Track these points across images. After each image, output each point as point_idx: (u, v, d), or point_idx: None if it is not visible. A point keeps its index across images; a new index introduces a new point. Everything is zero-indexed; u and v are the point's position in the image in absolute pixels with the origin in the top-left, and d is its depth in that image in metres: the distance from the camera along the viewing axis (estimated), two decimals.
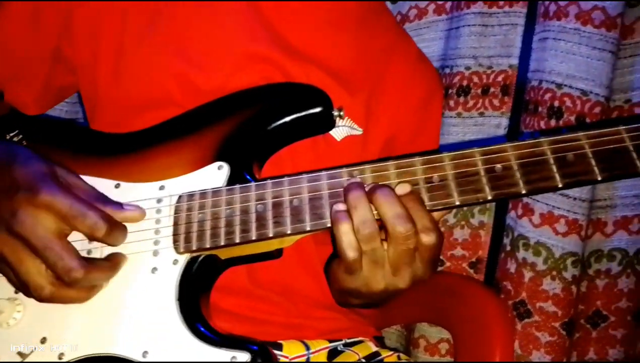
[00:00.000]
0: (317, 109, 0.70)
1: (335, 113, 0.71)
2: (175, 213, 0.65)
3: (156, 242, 0.64)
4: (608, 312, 1.08)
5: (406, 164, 0.61)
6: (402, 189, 0.59)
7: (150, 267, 0.63)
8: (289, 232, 0.61)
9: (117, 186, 0.69)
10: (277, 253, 0.65)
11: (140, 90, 0.77)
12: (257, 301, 0.78)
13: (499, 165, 0.59)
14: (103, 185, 0.69)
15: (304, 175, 0.63)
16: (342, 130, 0.80)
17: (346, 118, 0.79)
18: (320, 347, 0.80)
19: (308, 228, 0.61)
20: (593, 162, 0.58)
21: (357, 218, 0.58)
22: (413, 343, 1.22)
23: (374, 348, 0.83)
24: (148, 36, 0.77)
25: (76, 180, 0.64)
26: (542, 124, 1.10)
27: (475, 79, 1.22)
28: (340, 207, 0.59)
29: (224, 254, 0.64)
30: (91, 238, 0.60)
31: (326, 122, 0.71)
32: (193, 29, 0.78)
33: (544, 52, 1.11)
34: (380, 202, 0.58)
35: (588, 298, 1.08)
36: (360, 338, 0.85)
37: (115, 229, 0.61)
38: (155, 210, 0.66)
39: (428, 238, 0.57)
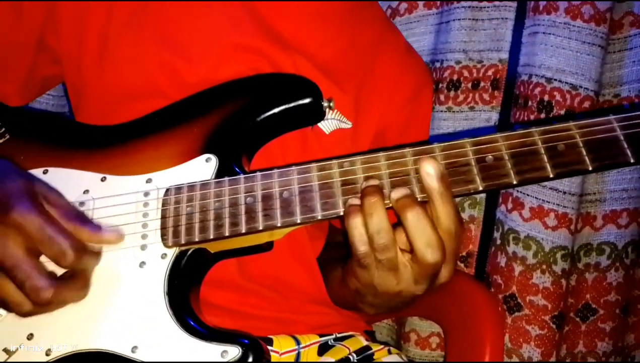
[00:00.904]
0: (307, 100, 0.69)
1: (325, 104, 0.70)
2: (162, 207, 0.64)
3: (144, 236, 0.63)
4: (597, 306, 1.08)
5: (397, 155, 0.61)
6: (431, 169, 0.57)
7: (139, 262, 0.62)
8: (279, 224, 0.60)
9: (103, 179, 0.67)
10: (267, 246, 0.65)
11: (126, 81, 0.76)
12: (247, 295, 0.77)
13: (490, 156, 0.59)
14: (89, 178, 0.67)
15: (294, 167, 0.63)
16: (331, 123, 0.79)
17: (335, 111, 0.78)
18: (311, 342, 0.79)
19: (298, 221, 0.60)
20: (584, 152, 0.57)
21: (372, 226, 0.56)
22: (404, 337, 1.21)
23: (365, 343, 0.83)
24: (134, 25, 0.76)
25: (56, 197, 0.62)
26: (532, 118, 1.10)
27: (466, 73, 1.21)
28: (355, 201, 0.58)
29: (213, 248, 0.63)
30: (57, 264, 0.58)
31: (316, 113, 0.70)
32: (180, 18, 0.77)
33: (534, 47, 1.11)
34: (411, 224, 0.55)
35: (578, 292, 1.09)
36: (350, 333, 0.85)
37: (84, 257, 0.59)
38: (142, 203, 0.65)
39: (455, 242, 0.57)
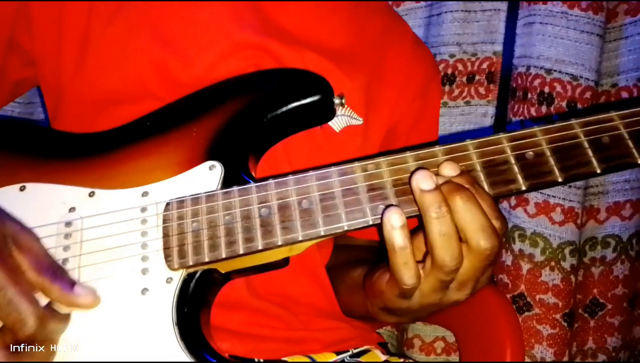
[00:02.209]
0: (317, 97, 0.62)
1: (337, 101, 0.64)
2: (164, 224, 0.56)
3: (144, 258, 0.55)
4: (605, 300, 1.06)
5: (426, 155, 0.55)
6: (450, 170, 0.51)
7: (140, 288, 0.54)
8: (300, 238, 0.54)
9: (91, 194, 0.59)
10: (283, 262, 0.58)
11: (111, 82, 0.68)
12: (256, 315, 0.70)
13: (530, 152, 0.54)
14: (74, 194, 0.59)
15: (311, 172, 0.56)
16: (341, 119, 0.73)
17: (346, 107, 0.72)
18: (328, 361, 0.72)
19: (322, 233, 0.53)
20: (631, 144, 0.53)
21: (441, 247, 0.49)
22: (407, 343, 1.16)
23: (383, 357, 0.77)
24: (120, 20, 0.68)
25: (29, 241, 0.53)
26: (533, 111, 1.07)
27: (460, 67, 1.17)
28: (397, 213, 0.49)
29: (224, 267, 0.56)
30: (14, 334, 0.49)
31: (326, 111, 0.64)
32: (173, 12, 0.69)
33: (531, 37, 1.08)
34: (460, 208, 0.49)
35: (585, 287, 1.06)
36: (366, 347, 0.79)
37: (47, 325, 0.50)
38: (140, 220, 0.57)
39: (498, 240, 0.50)
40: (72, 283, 0.53)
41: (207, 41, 0.69)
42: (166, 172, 0.59)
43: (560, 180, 0.52)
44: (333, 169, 0.56)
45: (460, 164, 0.53)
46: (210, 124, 0.62)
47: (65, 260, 0.55)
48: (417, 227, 0.53)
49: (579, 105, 1.03)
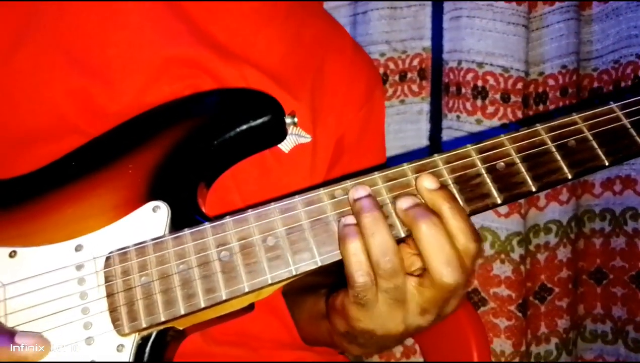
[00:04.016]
0: (267, 117, 0.57)
1: (289, 120, 0.58)
2: (106, 282, 0.48)
3: (87, 326, 0.47)
4: (552, 284, 1.09)
5: (395, 175, 0.51)
6: (429, 183, 0.48)
7: (87, 361, 0.46)
8: (269, 281, 0.48)
9: (12, 255, 0.50)
10: (248, 308, 0.52)
11: (24, 118, 0.58)
12: (215, 361, 0.64)
13: (501, 163, 0.51)
14: None
15: (273, 205, 0.50)
16: (290, 139, 0.67)
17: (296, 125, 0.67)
18: None
19: (294, 272, 0.48)
20: (595, 145, 0.52)
21: (376, 247, 0.46)
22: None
23: None
24: (28, 43, 0.58)
25: None
26: (468, 105, 1.07)
27: (392, 65, 1.15)
28: (349, 220, 0.47)
29: (182, 324, 0.49)
30: None
31: (278, 132, 0.58)
32: (85, 29, 0.60)
33: (459, 31, 1.08)
34: (425, 238, 0.46)
35: (533, 274, 1.08)
36: None
37: None
38: (76, 281, 0.48)
39: (472, 264, 0.47)
40: (10, 335, 0.45)
41: (132, 61, 0.61)
42: (101, 220, 0.51)
43: (534, 189, 0.50)
44: (297, 198, 0.50)
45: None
46: (148, 157, 0.54)
47: None
48: None
49: (513, 97, 1.04)
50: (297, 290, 0.75)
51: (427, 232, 0.46)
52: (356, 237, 0.47)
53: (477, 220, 1.04)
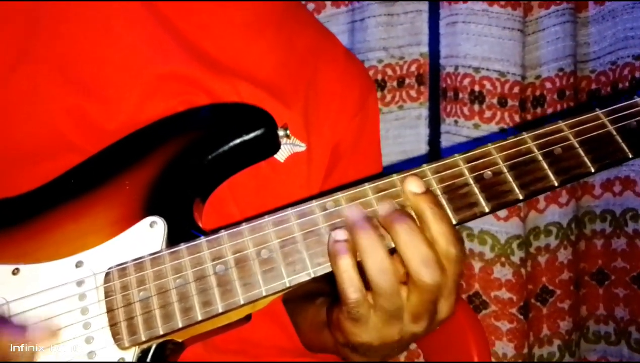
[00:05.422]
0: (260, 131, 0.58)
1: (281, 133, 0.60)
2: (106, 297, 0.50)
3: (89, 340, 0.48)
4: (554, 286, 1.09)
5: (386, 185, 0.52)
6: (414, 186, 0.49)
7: None
8: (264, 294, 0.49)
9: (15, 272, 0.51)
10: (245, 319, 0.53)
11: (22, 135, 0.60)
12: None
13: (488, 171, 0.52)
14: None
15: (267, 218, 0.52)
16: (285, 149, 0.69)
17: (290, 136, 0.68)
18: None
19: (288, 284, 0.49)
20: (582, 153, 0.53)
21: (373, 266, 0.47)
22: None
23: None
24: (25, 62, 0.59)
25: None
26: (466, 110, 1.08)
27: (390, 72, 1.16)
28: (339, 235, 0.48)
29: (180, 336, 0.50)
30: None
31: (271, 145, 0.60)
32: (80, 48, 0.61)
33: (455, 37, 1.09)
34: (402, 240, 0.47)
35: (534, 277, 1.09)
36: None
37: None
38: (77, 297, 0.50)
39: (455, 268, 0.48)
40: (21, 329, 0.47)
41: (126, 79, 0.62)
42: (100, 236, 0.53)
43: (521, 197, 0.51)
44: (290, 211, 0.52)
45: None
46: (144, 174, 0.56)
47: None
48: None
49: (510, 101, 1.05)
50: (299, 298, 0.76)
51: (402, 234, 0.47)
52: (346, 254, 0.47)
53: (477, 223, 1.05)
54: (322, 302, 0.68)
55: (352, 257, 0.48)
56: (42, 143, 0.60)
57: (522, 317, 1.03)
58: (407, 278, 0.48)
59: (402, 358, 1.13)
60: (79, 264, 0.51)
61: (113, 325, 0.49)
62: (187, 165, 0.56)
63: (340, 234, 0.48)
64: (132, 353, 0.48)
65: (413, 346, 1.09)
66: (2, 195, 0.57)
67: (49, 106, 0.60)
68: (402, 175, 0.53)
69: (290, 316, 0.74)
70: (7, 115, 0.60)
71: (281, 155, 0.69)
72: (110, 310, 0.49)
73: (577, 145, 0.53)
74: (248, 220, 0.52)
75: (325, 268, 0.50)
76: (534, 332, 1.08)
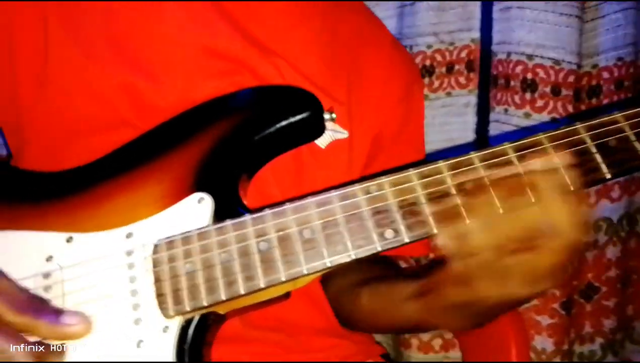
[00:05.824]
0: (306, 114, 0.58)
1: (327, 116, 0.60)
2: (154, 268, 0.52)
3: (136, 307, 0.51)
4: (599, 283, 1.06)
5: (431, 172, 0.52)
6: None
7: (135, 340, 0.50)
8: (305, 272, 0.50)
9: (69, 240, 0.54)
10: (285, 296, 0.54)
11: (77, 107, 0.62)
12: (253, 345, 0.67)
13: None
14: (50, 240, 0.54)
15: (310, 199, 0.52)
16: (326, 135, 0.69)
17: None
18: None
19: (328, 264, 0.50)
20: (638, 147, 0.51)
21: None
22: (404, 344, 1.14)
23: None
24: (80, 39, 0.62)
25: (1, 284, 0.49)
26: (517, 98, 1.05)
27: (439, 57, 1.14)
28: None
29: (223, 309, 0.52)
30: None
31: (316, 128, 0.60)
32: (131, 25, 0.63)
33: (509, 23, 1.05)
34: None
35: (579, 272, 1.06)
36: (369, 362, 0.76)
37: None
38: (126, 266, 0.52)
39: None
40: (57, 314, 0.49)
41: (174, 54, 0.64)
42: (150, 209, 0.55)
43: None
44: (333, 193, 0.52)
45: (469, 179, 0.51)
46: (194, 151, 0.57)
47: None
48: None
49: (564, 90, 1.01)
50: (370, 281, 0.74)
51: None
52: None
53: None
54: (404, 279, 0.67)
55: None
56: (97, 118, 0.62)
57: (564, 312, 1.00)
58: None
59: (437, 347, 1.13)
60: (129, 235, 0.54)
61: (159, 294, 0.51)
62: (235, 145, 0.57)
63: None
64: (176, 322, 0.50)
65: (427, 336, 1.09)
66: (58, 167, 0.60)
67: (103, 81, 0.62)
68: (448, 162, 0.52)
69: (351, 303, 0.73)
70: (64, 87, 0.63)
71: (323, 141, 0.69)
72: (157, 281, 0.51)
73: (633, 137, 0.51)
74: (290, 201, 0.53)
75: (367, 251, 0.50)
76: (575, 329, 1.05)
